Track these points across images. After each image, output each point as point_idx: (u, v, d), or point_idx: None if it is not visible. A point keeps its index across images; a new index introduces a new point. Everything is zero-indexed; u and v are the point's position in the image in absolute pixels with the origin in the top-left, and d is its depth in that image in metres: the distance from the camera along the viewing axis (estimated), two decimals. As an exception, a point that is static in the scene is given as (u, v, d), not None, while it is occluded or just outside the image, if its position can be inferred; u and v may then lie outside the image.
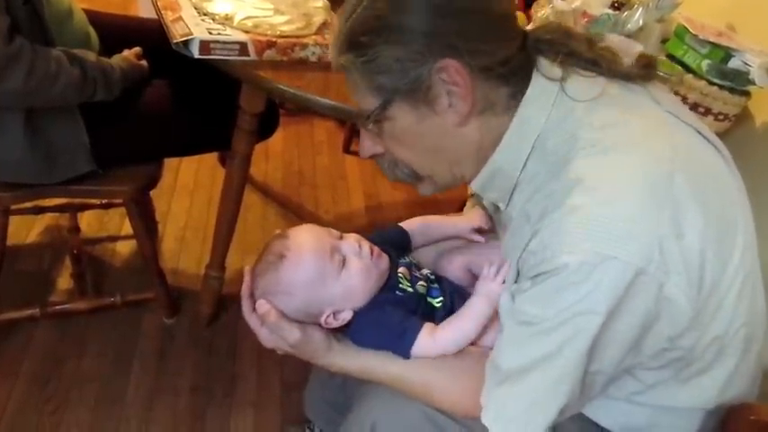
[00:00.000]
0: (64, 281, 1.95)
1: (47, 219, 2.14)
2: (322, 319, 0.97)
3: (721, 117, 1.56)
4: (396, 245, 1.12)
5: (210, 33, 1.38)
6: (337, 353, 0.98)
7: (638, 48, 1.50)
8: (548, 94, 0.86)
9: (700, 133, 0.93)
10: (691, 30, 1.58)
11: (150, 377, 1.73)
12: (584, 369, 0.81)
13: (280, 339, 0.98)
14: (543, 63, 0.88)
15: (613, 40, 1.51)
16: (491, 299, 0.95)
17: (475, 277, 1.12)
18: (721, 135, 1.64)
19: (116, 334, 1.83)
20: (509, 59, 0.84)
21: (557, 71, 0.87)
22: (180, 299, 1.94)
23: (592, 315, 0.77)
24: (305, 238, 0.99)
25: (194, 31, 1.37)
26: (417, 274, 1.06)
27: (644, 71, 0.93)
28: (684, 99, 1.56)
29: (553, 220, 0.80)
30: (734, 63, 1.62)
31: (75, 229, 2.01)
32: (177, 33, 1.37)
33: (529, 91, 0.86)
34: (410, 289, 1.02)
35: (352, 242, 1.00)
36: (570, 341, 0.79)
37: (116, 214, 2.19)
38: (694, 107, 1.56)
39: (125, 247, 2.12)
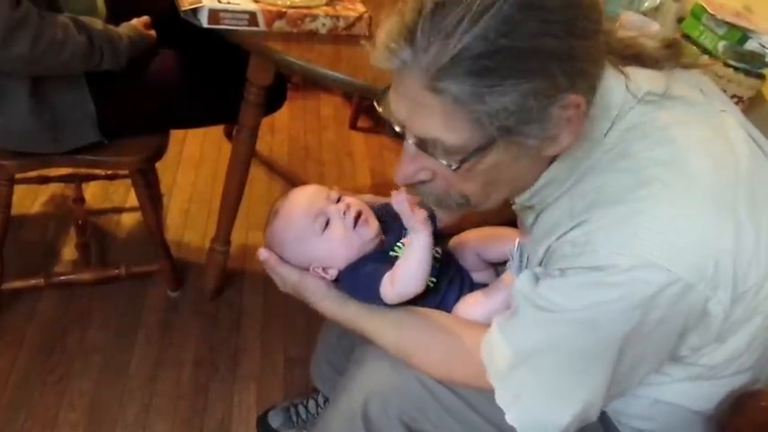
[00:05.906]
0: (68, 251, 1.95)
1: (52, 189, 2.13)
2: (310, 271, 1.05)
3: (735, 99, 1.54)
4: None
5: (219, 2, 1.36)
6: (330, 301, 1.03)
7: (654, 26, 1.48)
8: (614, 106, 0.79)
9: (750, 136, 0.86)
10: (708, 9, 1.56)
11: (154, 349, 1.73)
12: (611, 369, 0.77)
13: (282, 282, 1.07)
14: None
15: (629, 18, 1.49)
16: (420, 232, 0.94)
17: (483, 263, 1.11)
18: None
19: (120, 305, 1.83)
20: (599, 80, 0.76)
21: (616, 74, 0.79)
22: (184, 272, 1.94)
23: (624, 319, 0.73)
24: (296, 201, 1.08)
25: (203, -1, 1.35)
26: None
27: (668, 52, 0.85)
28: (699, 80, 1.54)
29: (605, 216, 0.75)
30: (750, 45, 1.60)
31: (80, 199, 2.00)
32: (186, 1, 1.36)
33: (598, 102, 0.77)
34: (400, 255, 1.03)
35: (340, 207, 1.05)
36: (598, 340, 0.76)
37: (121, 185, 2.18)
38: (709, 89, 1.54)
39: (130, 219, 2.12)
